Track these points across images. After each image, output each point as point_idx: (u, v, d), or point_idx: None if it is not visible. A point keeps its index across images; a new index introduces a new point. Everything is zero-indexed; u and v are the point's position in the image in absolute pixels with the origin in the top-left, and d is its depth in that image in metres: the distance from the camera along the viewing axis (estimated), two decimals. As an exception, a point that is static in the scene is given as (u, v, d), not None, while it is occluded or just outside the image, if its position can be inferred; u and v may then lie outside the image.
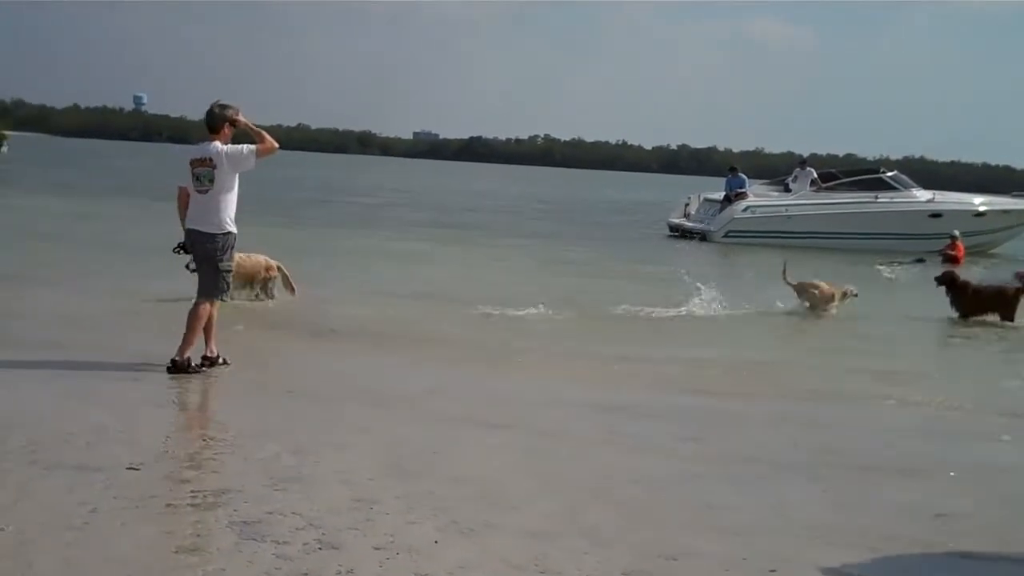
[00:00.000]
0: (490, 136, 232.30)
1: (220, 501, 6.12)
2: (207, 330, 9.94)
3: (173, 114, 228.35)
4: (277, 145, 9.98)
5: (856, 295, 17.17)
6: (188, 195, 9.87)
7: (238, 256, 13.37)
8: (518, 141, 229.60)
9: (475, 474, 7.12)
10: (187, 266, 10.03)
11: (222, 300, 10.06)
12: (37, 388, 8.94)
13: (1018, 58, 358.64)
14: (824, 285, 17.12)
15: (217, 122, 9.80)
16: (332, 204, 43.15)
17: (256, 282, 14.29)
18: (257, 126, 9.97)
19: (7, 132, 59.99)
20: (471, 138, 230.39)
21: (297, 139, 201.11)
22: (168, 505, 6.00)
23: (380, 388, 10.05)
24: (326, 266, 19.14)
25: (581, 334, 13.61)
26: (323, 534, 5.65)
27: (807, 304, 16.82)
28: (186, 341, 9.79)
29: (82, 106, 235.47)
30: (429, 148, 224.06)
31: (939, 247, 30.13)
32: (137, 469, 6.63)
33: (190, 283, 10.20)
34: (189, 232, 9.88)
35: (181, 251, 9.98)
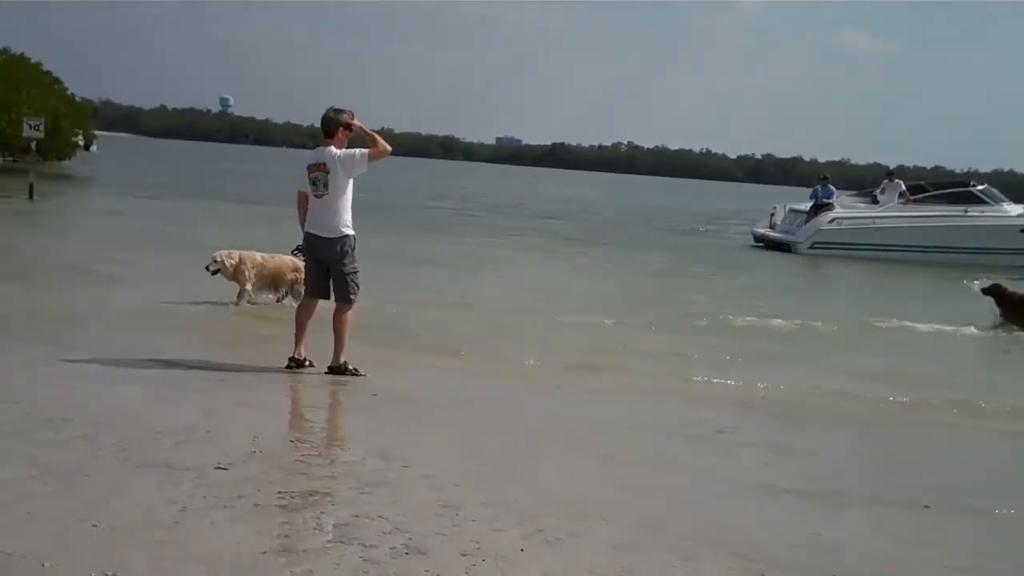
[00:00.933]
0: (573, 143, 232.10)
1: (307, 503, 6.14)
2: (300, 332, 10.12)
3: (259, 116, 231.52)
4: (389, 148, 10.08)
5: None
6: (307, 199, 10.01)
7: (259, 257, 13.54)
8: (601, 148, 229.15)
9: (561, 484, 7.09)
10: (293, 251, 10.21)
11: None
12: (127, 387, 9.05)
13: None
14: None
15: (332, 127, 9.95)
16: (416, 209, 43.35)
17: (282, 284, 14.27)
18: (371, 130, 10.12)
19: (96, 132, 60.81)
20: (554, 144, 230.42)
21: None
22: (256, 505, 6.02)
23: (467, 396, 10.05)
24: (408, 271, 19.21)
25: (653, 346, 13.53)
26: (410, 539, 5.63)
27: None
28: (341, 345, 10.00)
29: (169, 107, 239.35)
30: (512, 154, 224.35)
31: (1031, 262, 29.64)
32: (226, 469, 6.66)
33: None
34: (308, 236, 10.02)
35: (299, 253, 10.14)
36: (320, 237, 9.94)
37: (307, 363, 10.13)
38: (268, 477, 6.62)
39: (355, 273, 10.04)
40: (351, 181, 9.94)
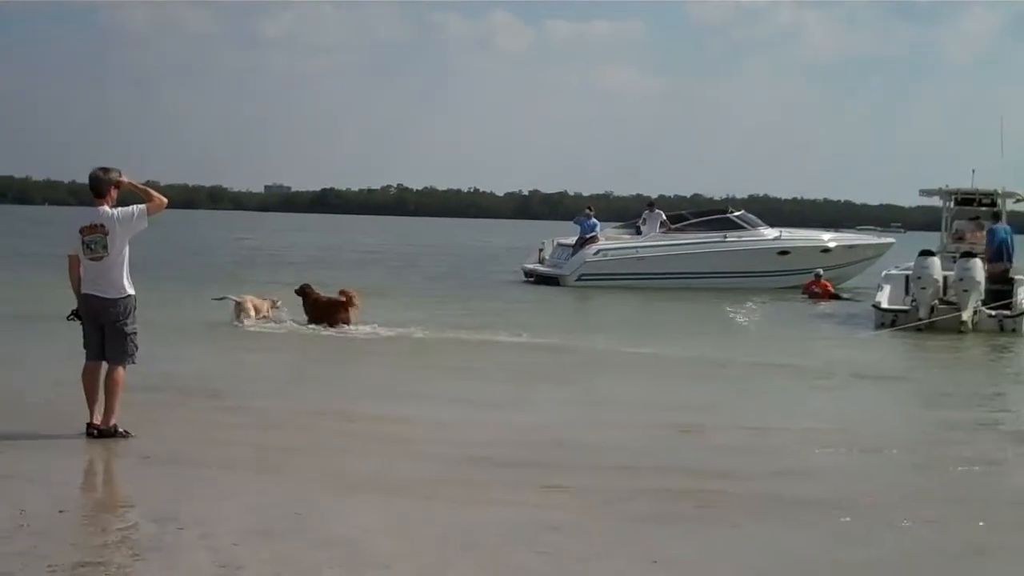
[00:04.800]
0: (343, 187, 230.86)
1: (81, 574, 5.98)
2: (92, 398, 9.80)
3: (17, 175, 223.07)
4: (165, 201, 9.97)
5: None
6: (78, 262, 9.75)
7: None
8: (371, 191, 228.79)
9: (341, 535, 7.07)
10: (68, 316, 9.93)
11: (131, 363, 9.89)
12: None
13: (850, 101, 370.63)
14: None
15: (103, 186, 9.73)
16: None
17: None
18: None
19: None
20: (323, 189, 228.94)
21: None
22: (24, 582, 5.84)
23: (240, 450, 9.91)
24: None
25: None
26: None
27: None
28: (109, 408, 9.69)
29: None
30: (282, 201, 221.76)
31: (788, 284, 31.06)
32: (-10, 546, 6.44)
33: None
34: (87, 297, 9.74)
35: (75, 318, 9.87)
36: (100, 298, 9.68)
37: (120, 431, 9.77)
38: (37, 551, 6.40)
39: (134, 334, 9.84)
40: (127, 240, 9.78)
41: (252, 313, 19.12)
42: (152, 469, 8.94)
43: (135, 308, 9.86)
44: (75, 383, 10.07)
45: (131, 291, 9.79)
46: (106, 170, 9.83)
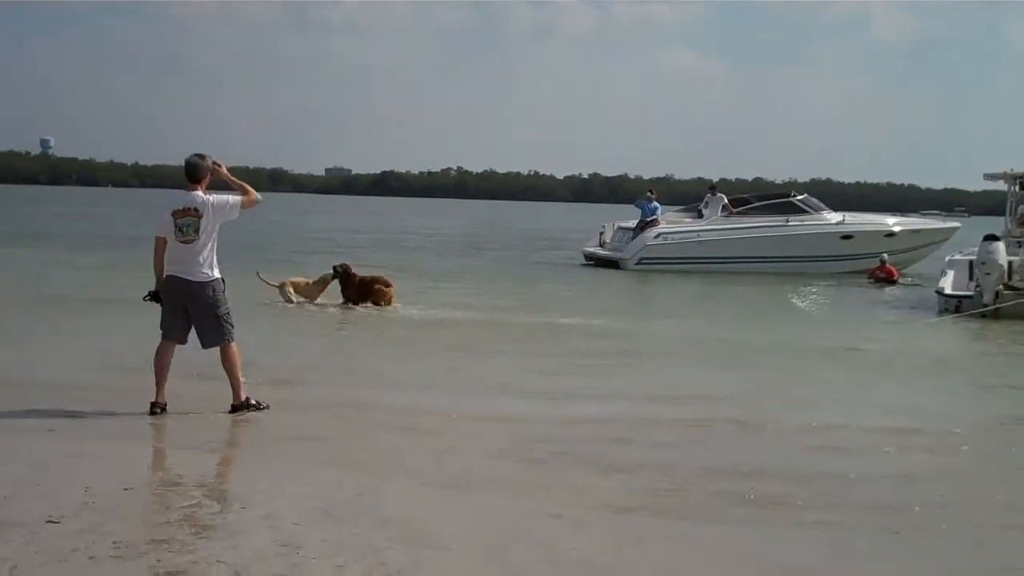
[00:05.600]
0: (402, 170, 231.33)
1: (144, 552, 6.04)
2: (162, 374, 10.08)
3: (81, 156, 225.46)
4: (260, 198, 10.29)
5: None
6: (164, 245, 9.99)
7: None
8: (430, 174, 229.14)
9: (401, 517, 7.09)
10: (145, 297, 10.10)
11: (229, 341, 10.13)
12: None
13: (915, 85, 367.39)
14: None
15: (200, 172, 10.06)
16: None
17: None
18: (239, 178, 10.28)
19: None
20: (383, 172, 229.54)
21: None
22: (91, 558, 5.90)
23: (300, 433, 9.98)
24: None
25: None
26: (250, 582, 5.61)
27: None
28: (235, 384, 10.14)
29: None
30: (342, 184, 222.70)
31: (851, 268, 30.74)
32: (57, 522, 6.52)
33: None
34: (171, 279, 9.98)
35: (153, 299, 10.06)
36: (186, 281, 9.93)
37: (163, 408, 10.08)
38: (103, 528, 6.48)
39: (227, 314, 10.11)
40: (218, 226, 10.02)
41: (292, 294, 19.85)
42: (215, 451, 9.05)
43: (224, 290, 10.12)
44: (140, 363, 10.19)
45: (218, 275, 10.04)
46: (202, 156, 10.15)
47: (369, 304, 19.55)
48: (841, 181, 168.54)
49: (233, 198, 10.09)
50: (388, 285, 20.01)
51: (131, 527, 6.55)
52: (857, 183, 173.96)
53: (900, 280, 29.75)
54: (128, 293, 11.87)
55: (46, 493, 7.23)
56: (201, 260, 9.91)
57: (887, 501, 8.05)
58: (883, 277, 29.53)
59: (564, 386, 12.50)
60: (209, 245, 9.94)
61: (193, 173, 10.03)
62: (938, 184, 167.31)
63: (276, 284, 20.01)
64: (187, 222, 9.86)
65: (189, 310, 10.03)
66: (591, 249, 35.41)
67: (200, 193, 9.97)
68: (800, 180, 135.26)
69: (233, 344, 10.12)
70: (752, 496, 7.96)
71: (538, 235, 59.99)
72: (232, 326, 10.15)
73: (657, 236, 32.84)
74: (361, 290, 19.86)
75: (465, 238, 54.34)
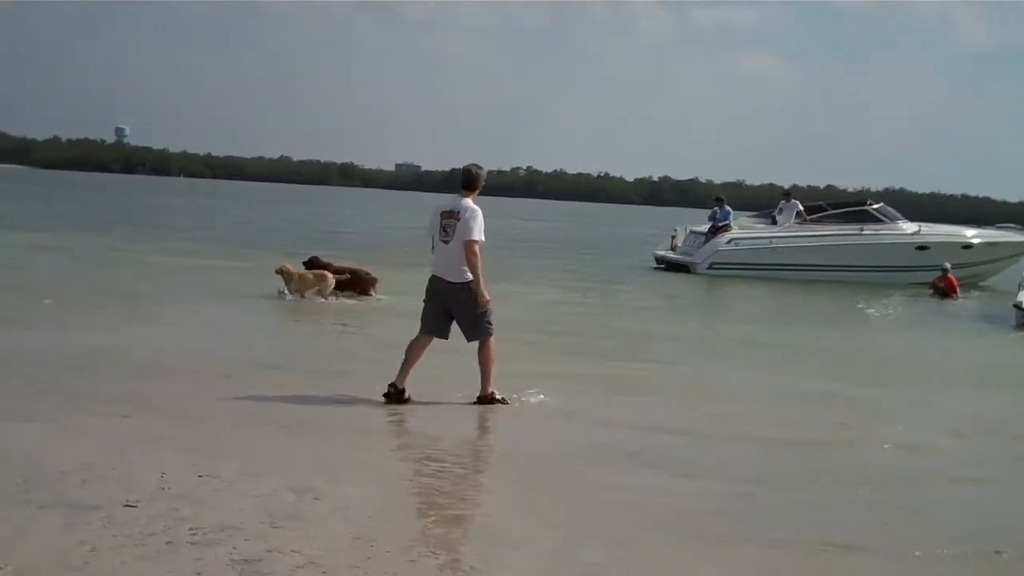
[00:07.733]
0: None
1: (219, 539, 6.06)
2: (414, 363, 10.63)
3: (155, 146, 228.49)
4: (476, 261, 10.38)
5: None
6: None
7: None
8: (500, 172, 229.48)
9: (475, 513, 7.08)
10: None
11: None
12: (28, 427, 8.84)
13: (993, 94, 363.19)
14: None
15: (477, 183, 10.64)
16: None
17: None
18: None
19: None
20: (453, 169, 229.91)
21: (280, 171, 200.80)
22: (168, 543, 5.93)
23: (375, 425, 10.00)
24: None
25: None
26: (324, 573, 5.60)
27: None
28: (485, 378, 10.62)
29: (63, 138, 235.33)
30: (411, 180, 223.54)
31: (926, 279, 30.23)
32: (134, 507, 6.57)
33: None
34: (435, 278, 10.64)
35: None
36: (445, 281, 10.53)
37: (405, 396, 10.53)
38: (179, 513, 6.52)
39: (484, 312, 10.55)
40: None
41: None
42: (290, 439, 9.04)
43: (475, 291, 10.43)
44: (223, 352, 10.23)
45: (469, 277, 10.38)
46: (479, 167, 10.70)
47: None
48: (915, 191, 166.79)
49: (478, 226, 10.34)
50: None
51: (206, 513, 6.57)
52: (931, 193, 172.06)
53: (962, 294, 28.93)
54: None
55: (122, 477, 7.29)
56: (453, 262, 10.41)
57: None
58: (942, 288, 28.87)
59: (636, 384, 12.44)
60: (460, 248, 10.33)
61: (468, 181, 10.59)
62: (1014, 196, 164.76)
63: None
64: (450, 223, 10.43)
65: (451, 310, 10.59)
66: (662, 252, 35.18)
67: (468, 201, 10.49)
68: (873, 189, 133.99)
69: (491, 339, 10.56)
70: None
71: (613, 237, 59.81)
72: (490, 323, 10.59)
73: (729, 241, 32.63)
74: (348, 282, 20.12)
75: (579, 241, 54.10)
